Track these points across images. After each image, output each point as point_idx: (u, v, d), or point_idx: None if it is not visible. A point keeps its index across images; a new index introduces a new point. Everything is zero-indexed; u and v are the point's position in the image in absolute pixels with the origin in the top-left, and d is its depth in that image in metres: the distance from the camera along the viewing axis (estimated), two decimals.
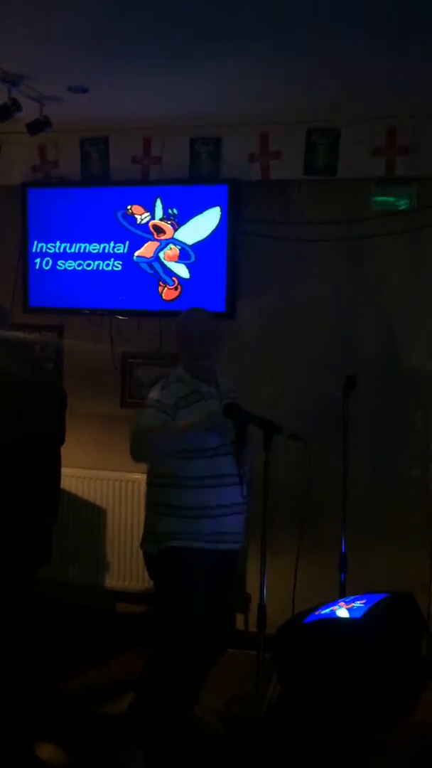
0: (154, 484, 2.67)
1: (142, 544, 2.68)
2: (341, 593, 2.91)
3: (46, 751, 2.74)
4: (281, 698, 2.64)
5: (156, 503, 2.64)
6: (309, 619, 2.36)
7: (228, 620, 2.80)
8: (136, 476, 3.50)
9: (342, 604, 2.37)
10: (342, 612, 2.31)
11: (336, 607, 2.35)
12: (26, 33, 2.49)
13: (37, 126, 3.14)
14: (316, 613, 2.38)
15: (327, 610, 2.35)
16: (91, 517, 3.78)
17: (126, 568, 3.72)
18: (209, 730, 2.88)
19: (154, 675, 2.59)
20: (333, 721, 2.27)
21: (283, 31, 2.41)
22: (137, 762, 2.59)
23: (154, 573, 2.66)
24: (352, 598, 2.41)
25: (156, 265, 3.57)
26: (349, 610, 2.31)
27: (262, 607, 2.28)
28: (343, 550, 2.99)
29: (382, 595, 2.39)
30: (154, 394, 2.57)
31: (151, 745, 2.61)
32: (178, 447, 2.52)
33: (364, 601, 2.34)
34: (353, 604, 2.33)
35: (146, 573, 2.74)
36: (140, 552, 2.72)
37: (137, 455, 2.53)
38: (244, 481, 2.60)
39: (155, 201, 3.53)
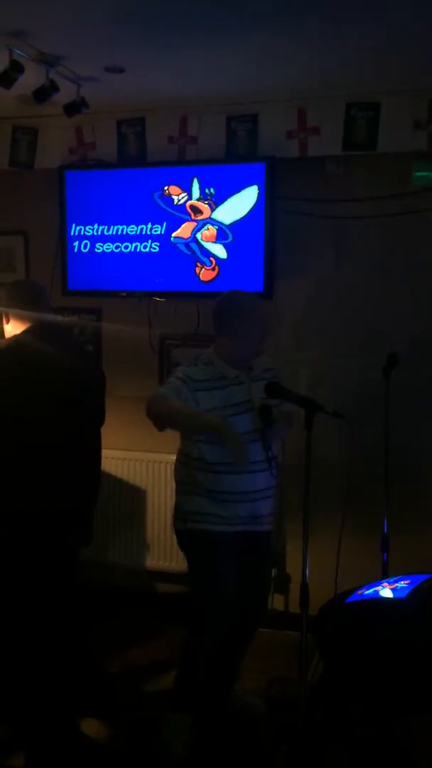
0: (181, 462, 2.70)
1: (174, 524, 2.72)
2: (384, 574, 2.89)
3: (90, 727, 2.79)
4: (323, 679, 2.63)
5: (183, 482, 2.67)
6: (352, 599, 2.34)
7: (260, 600, 2.82)
8: (175, 457, 3.50)
9: (385, 584, 2.35)
10: (386, 592, 2.28)
11: (379, 587, 2.33)
12: (62, 13, 2.48)
13: (74, 107, 3.13)
14: (359, 593, 2.36)
15: (370, 591, 2.32)
16: (131, 498, 3.81)
17: (166, 549, 3.75)
18: (252, 709, 2.90)
19: (189, 649, 2.66)
20: (375, 702, 2.25)
21: (319, 4, 2.34)
22: (185, 730, 2.65)
23: (185, 550, 2.71)
24: (395, 578, 2.38)
25: (193, 245, 3.55)
26: (392, 590, 2.28)
27: (304, 587, 2.27)
28: (385, 531, 2.96)
29: (427, 576, 2.35)
30: (182, 369, 2.60)
31: (197, 714, 2.66)
32: (177, 430, 2.56)
33: (408, 582, 2.31)
34: (397, 585, 2.30)
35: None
36: (174, 533, 2.75)
37: (149, 415, 2.49)
38: (273, 465, 2.59)
39: (192, 181, 3.51)
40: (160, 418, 2.47)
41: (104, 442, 2.83)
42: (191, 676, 2.69)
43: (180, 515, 2.68)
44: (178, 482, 2.71)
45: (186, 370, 2.57)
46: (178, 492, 2.70)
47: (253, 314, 2.60)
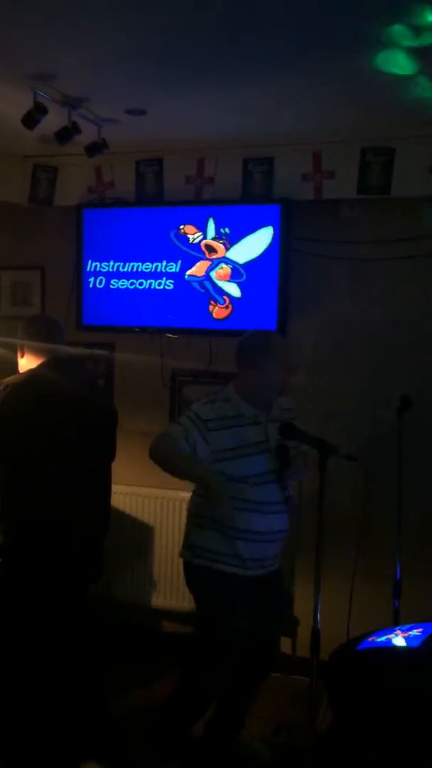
0: (198, 494, 2.67)
1: (182, 552, 2.69)
2: (395, 621, 2.84)
3: None
4: (332, 727, 2.57)
5: (197, 515, 2.65)
6: (363, 645, 2.30)
7: (270, 645, 2.77)
8: (185, 494, 3.47)
9: (398, 632, 2.30)
10: (398, 640, 2.24)
11: (392, 635, 2.28)
12: (86, 57, 2.55)
13: (95, 148, 3.19)
14: (370, 640, 2.31)
15: (383, 638, 2.28)
16: (139, 534, 3.79)
17: (173, 587, 3.71)
18: (257, 756, 2.83)
19: (186, 686, 2.61)
20: (388, 751, 2.19)
21: (336, 51, 2.40)
22: None
23: (191, 584, 2.66)
24: (408, 626, 2.33)
25: (207, 284, 3.58)
26: (406, 638, 2.23)
27: (315, 632, 2.23)
28: (398, 577, 2.92)
29: None
30: (195, 406, 2.59)
31: (183, 761, 2.60)
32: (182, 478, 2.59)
33: (421, 630, 2.26)
34: (410, 633, 2.26)
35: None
36: (183, 566, 2.71)
37: (151, 457, 2.55)
38: (290, 507, 2.57)
39: (208, 221, 3.56)
40: (160, 463, 2.54)
41: (114, 477, 2.83)
42: (179, 714, 2.63)
43: (191, 548, 2.65)
44: (191, 514, 2.68)
45: (199, 410, 2.56)
46: (190, 524, 2.67)
47: (277, 353, 2.60)
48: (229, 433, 2.52)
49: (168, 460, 2.53)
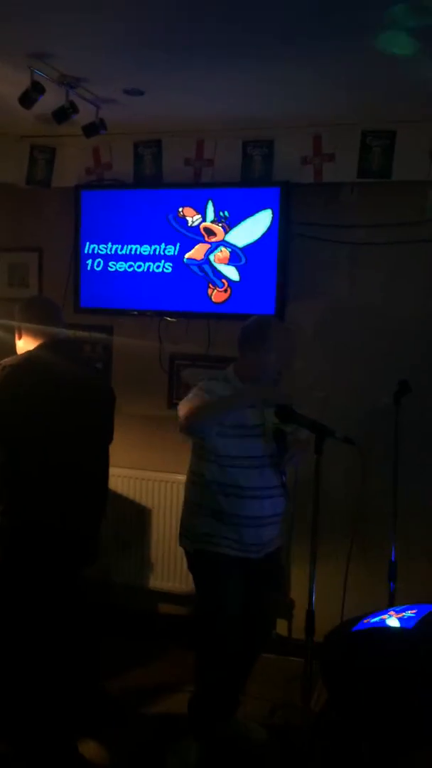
0: (192, 482, 2.69)
1: (180, 540, 2.72)
2: (390, 602, 2.86)
3: (89, 749, 2.76)
4: (326, 707, 2.60)
5: (192, 502, 2.67)
6: (358, 627, 2.31)
7: (264, 626, 2.80)
8: (181, 477, 3.47)
9: (392, 613, 2.31)
10: (392, 621, 2.25)
11: (386, 616, 2.29)
12: (84, 37, 2.52)
13: (93, 128, 3.17)
14: (365, 621, 2.33)
15: (377, 619, 2.29)
16: (136, 517, 3.80)
17: (170, 569, 3.73)
18: (252, 736, 2.86)
19: (199, 672, 2.65)
20: (381, 733, 2.21)
21: (335, 32, 2.38)
22: (192, 755, 2.63)
23: (193, 570, 2.70)
24: (402, 607, 2.34)
25: (206, 267, 3.57)
26: (399, 619, 2.24)
27: (310, 614, 2.25)
28: (393, 559, 2.94)
29: None
30: (203, 383, 2.59)
31: (208, 742, 2.64)
32: (221, 419, 2.50)
33: (415, 611, 2.27)
34: (404, 614, 2.27)
35: (189, 574, 2.76)
36: (184, 553, 2.73)
37: (187, 424, 2.49)
38: (286, 491, 2.59)
39: (207, 203, 3.54)
40: (200, 414, 2.46)
41: (111, 459, 2.83)
42: (206, 700, 2.66)
43: (188, 535, 2.68)
44: (187, 502, 2.71)
45: (207, 385, 2.58)
46: (186, 511, 2.70)
47: (275, 339, 2.59)
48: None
49: (203, 410, 2.46)
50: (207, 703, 2.66)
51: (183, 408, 2.51)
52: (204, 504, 2.62)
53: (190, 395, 2.56)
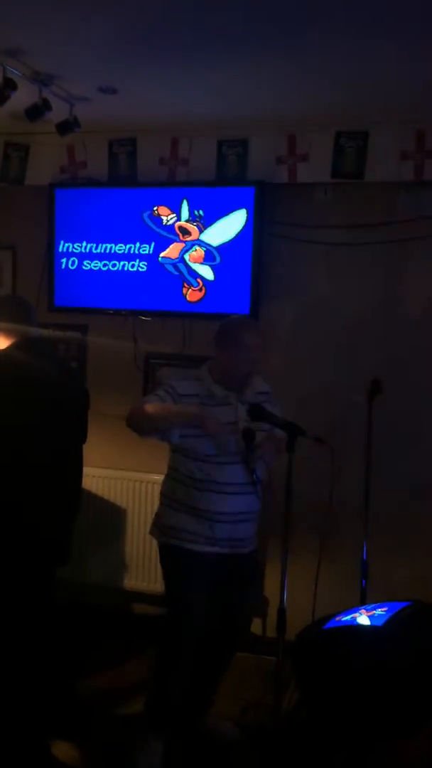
0: (169, 476, 2.71)
1: (151, 529, 2.74)
2: (362, 600, 2.88)
3: (62, 750, 2.74)
4: (299, 705, 2.61)
5: (167, 495, 2.69)
6: (329, 625, 2.33)
7: (237, 623, 2.81)
8: (157, 477, 3.48)
9: (363, 611, 2.34)
10: (363, 619, 2.28)
11: (357, 614, 2.32)
12: (57, 33, 2.51)
13: (67, 126, 3.15)
14: (337, 619, 2.35)
15: (348, 617, 2.31)
16: (110, 517, 3.79)
17: (144, 569, 3.72)
18: (225, 735, 2.86)
19: (162, 669, 2.66)
20: (351, 730, 2.23)
21: (311, 32, 2.39)
22: (154, 752, 2.63)
23: (161, 563, 2.72)
24: (373, 605, 2.37)
25: (181, 266, 3.57)
26: (370, 617, 2.27)
27: (281, 612, 2.25)
28: (364, 557, 2.96)
29: (405, 604, 2.35)
30: (173, 381, 2.62)
31: (170, 739, 2.65)
32: (158, 429, 2.52)
33: (385, 609, 2.30)
34: (375, 612, 2.30)
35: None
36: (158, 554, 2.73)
37: (130, 421, 2.55)
38: (258, 488, 2.60)
39: (181, 202, 3.53)
40: (140, 421, 2.51)
41: (85, 459, 2.81)
42: (162, 697, 2.67)
43: (159, 527, 2.70)
44: (162, 494, 2.73)
45: (174, 383, 2.60)
46: (162, 505, 2.72)
47: (245, 339, 2.59)
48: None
49: (145, 415, 2.50)
50: (168, 700, 2.66)
51: (136, 404, 2.54)
52: (177, 498, 2.63)
53: (151, 394, 2.59)
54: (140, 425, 2.54)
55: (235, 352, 2.58)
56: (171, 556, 2.64)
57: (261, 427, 2.53)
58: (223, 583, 2.64)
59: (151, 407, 2.52)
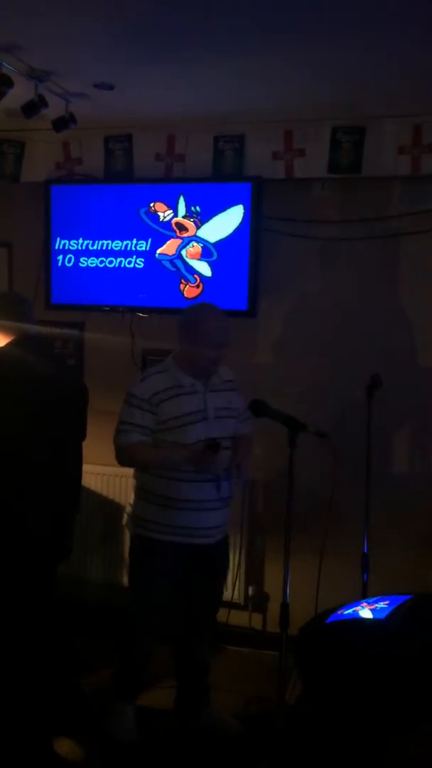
0: (139, 469, 2.78)
1: (124, 518, 2.83)
2: (363, 594, 2.89)
3: (64, 747, 2.75)
4: (301, 699, 2.62)
5: (138, 486, 2.75)
6: (331, 619, 2.34)
7: (207, 611, 2.86)
8: None
9: (365, 604, 2.34)
10: (365, 612, 2.28)
11: (359, 607, 2.32)
12: (53, 29, 2.49)
13: (63, 123, 3.14)
14: (339, 613, 2.35)
15: (350, 611, 2.32)
16: (109, 513, 3.78)
17: None
18: (227, 729, 2.87)
19: (124, 648, 2.82)
20: (356, 723, 2.24)
21: (307, 28, 2.39)
22: (126, 716, 2.78)
23: (129, 551, 2.81)
24: (375, 599, 2.38)
25: (178, 262, 3.56)
26: (372, 610, 2.28)
27: (285, 606, 2.26)
28: (365, 551, 2.97)
29: (406, 597, 2.36)
30: (132, 388, 2.63)
31: (138, 701, 2.85)
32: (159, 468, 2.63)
33: (387, 602, 2.31)
34: (377, 605, 2.30)
35: None
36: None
37: (122, 464, 2.73)
38: (227, 477, 2.64)
39: (178, 198, 3.53)
40: (129, 464, 2.72)
41: (85, 456, 2.81)
42: (125, 670, 2.82)
43: (132, 518, 2.74)
44: (136, 487, 2.77)
45: (136, 392, 2.61)
46: (135, 496, 2.77)
47: (209, 327, 2.60)
48: (171, 403, 2.58)
49: (134, 460, 2.70)
50: (131, 674, 2.82)
51: (118, 432, 2.63)
52: (145, 488, 2.68)
53: (123, 423, 2.62)
54: (130, 465, 2.72)
55: (200, 339, 2.58)
56: (136, 546, 2.72)
57: (226, 432, 2.60)
58: (195, 571, 2.70)
59: (140, 453, 2.61)
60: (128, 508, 2.82)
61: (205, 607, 2.84)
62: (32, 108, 2.94)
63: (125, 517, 2.83)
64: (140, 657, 2.81)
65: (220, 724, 2.88)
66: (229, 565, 2.91)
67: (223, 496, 2.66)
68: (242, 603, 3.61)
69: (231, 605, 3.56)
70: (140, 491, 2.72)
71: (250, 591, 3.60)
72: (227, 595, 3.57)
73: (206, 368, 2.64)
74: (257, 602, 3.62)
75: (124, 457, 2.66)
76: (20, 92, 2.84)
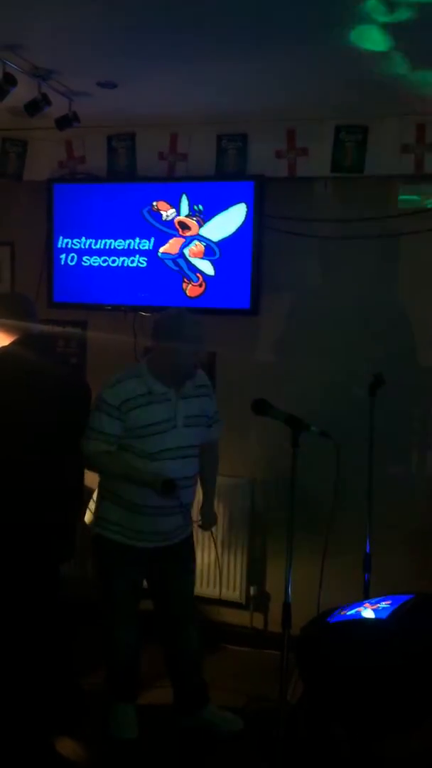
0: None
1: (90, 521, 2.82)
2: (365, 594, 2.89)
3: (65, 746, 2.75)
4: (302, 698, 2.62)
5: (101, 485, 2.76)
6: (333, 619, 2.34)
7: (186, 605, 2.87)
8: None
9: (367, 604, 2.35)
10: (367, 612, 2.28)
11: (361, 607, 2.33)
12: (56, 28, 2.49)
13: (66, 121, 3.14)
14: (341, 613, 2.36)
15: (352, 611, 2.32)
16: None
17: None
18: (228, 725, 2.88)
19: (104, 647, 2.85)
20: (356, 722, 2.24)
21: (310, 28, 2.38)
22: (128, 714, 2.82)
23: (92, 550, 2.80)
24: (377, 599, 2.38)
25: (181, 261, 3.56)
26: (374, 610, 2.28)
27: (287, 606, 2.26)
28: (367, 551, 2.97)
29: (408, 596, 2.36)
30: (102, 391, 2.60)
31: (137, 700, 2.88)
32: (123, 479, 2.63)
33: (389, 602, 2.31)
34: (379, 605, 2.30)
35: None
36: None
37: (88, 469, 2.75)
38: (194, 482, 2.72)
39: (181, 197, 3.52)
40: (98, 472, 2.73)
41: None
42: (113, 670, 2.84)
43: (97, 518, 2.74)
44: (99, 486, 2.77)
45: (107, 398, 2.57)
46: (98, 495, 2.77)
47: (181, 333, 2.58)
48: (141, 411, 2.56)
49: (102, 470, 2.71)
50: (117, 669, 2.83)
51: (86, 439, 2.60)
52: (108, 489, 2.68)
53: (92, 429, 2.59)
54: (96, 472, 2.73)
55: (175, 345, 2.56)
56: (98, 546, 2.72)
57: (193, 441, 2.64)
58: (163, 571, 2.74)
59: (104, 464, 2.63)
60: (91, 504, 2.82)
61: (180, 602, 2.83)
62: (35, 106, 2.94)
63: (88, 514, 2.83)
64: (124, 656, 2.81)
65: (219, 720, 2.88)
66: (195, 559, 2.91)
67: (185, 503, 2.69)
68: (243, 602, 3.61)
69: (232, 605, 3.57)
70: (105, 492, 2.71)
71: (252, 590, 3.59)
72: (228, 594, 3.58)
73: (181, 372, 2.61)
74: (258, 602, 3.62)
75: (89, 464, 2.70)
76: (23, 91, 2.85)
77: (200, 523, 2.92)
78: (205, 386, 2.75)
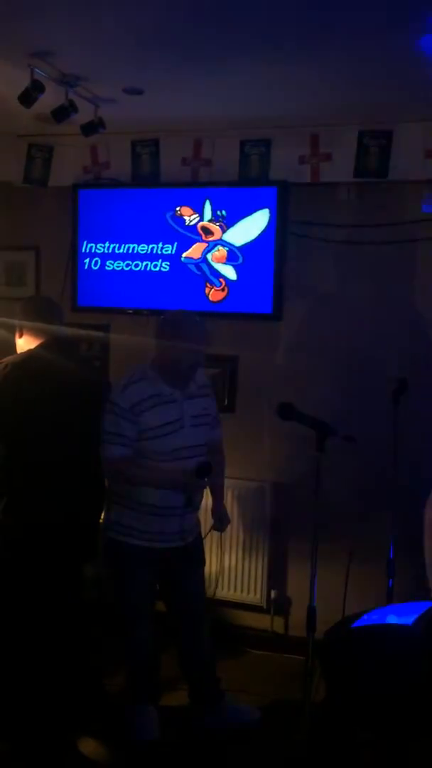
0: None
1: (102, 526, 2.81)
2: (389, 599, 2.88)
3: (88, 746, 2.77)
4: (325, 704, 2.62)
5: (112, 491, 2.75)
6: (357, 623, 2.33)
7: (196, 607, 2.88)
8: None
9: (391, 610, 2.34)
10: (392, 618, 2.27)
11: (386, 613, 2.32)
12: (85, 36, 2.52)
13: (92, 127, 3.17)
14: (365, 618, 2.35)
15: (376, 616, 2.31)
16: None
17: None
18: (246, 717, 2.92)
19: (124, 650, 2.85)
20: (380, 728, 2.23)
21: (334, 33, 2.39)
22: (148, 714, 2.81)
23: (104, 554, 2.79)
24: (401, 604, 2.37)
25: (203, 266, 3.58)
26: (398, 616, 2.27)
27: (311, 610, 2.27)
28: (391, 556, 2.96)
29: None
30: (113, 395, 2.61)
31: (158, 701, 2.89)
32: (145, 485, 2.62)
33: (414, 608, 2.29)
34: (403, 610, 2.29)
35: None
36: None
37: (106, 476, 2.69)
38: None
39: (204, 202, 3.55)
40: (118, 480, 2.66)
41: None
42: (133, 672, 2.84)
43: (106, 523, 2.75)
44: (108, 491, 2.77)
45: (119, 401, 2.57)
46: (108, 500, 2.77)
47: (185, 333, 2.59)
48: (151, 413, 2.57)
49: (124, 477, 2.64)
50: (138, 672, 2.83)
51: (106, 444, 2.56)
52: (120, 493, 2.68)
53: (107, 432, 2.57)
54: (114, 478, 2.67)
55: (179, 345, 2.57)
56: (112, 551, 2.71)
57: (200, 440, 2.64)
58: (174, 571, 2.74)
59: (126, 469, 2.58)
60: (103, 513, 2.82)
61: (193, 601, 2.85)
62: (63, 113, 2.98)
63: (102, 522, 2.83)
64: (144, 657, 2.82)
65: (238, 714, 2.90)
66: (205, 558, 2.92)
67: (197, 502, 2.72)
68: (264, 606, 3.61)
69: (252, 608, 3.57)
70: (116, 497, 2.70)
71: (272, 594, 3.60)
72: (248, 597, 3.59)
73: (184, 372, 2.62)
74: (279, 606, 3.62)
75: (110, 470, 2.62)
76: (50, 97, 2.88)
77: (215, 526, 2.91)
78: (206, 386, 2.77)
